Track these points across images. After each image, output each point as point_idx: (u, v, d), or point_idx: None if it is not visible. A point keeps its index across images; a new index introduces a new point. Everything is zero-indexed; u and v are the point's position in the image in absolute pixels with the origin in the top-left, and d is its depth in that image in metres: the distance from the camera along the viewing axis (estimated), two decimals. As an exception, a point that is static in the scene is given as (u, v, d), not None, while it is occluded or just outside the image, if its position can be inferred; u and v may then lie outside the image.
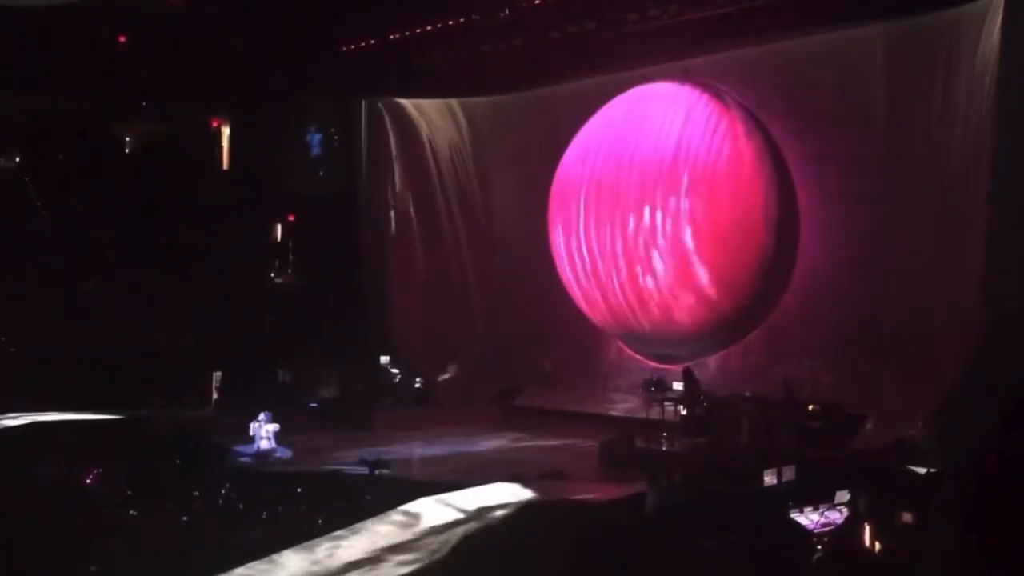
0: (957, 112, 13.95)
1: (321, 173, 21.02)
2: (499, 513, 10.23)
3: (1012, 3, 12.92)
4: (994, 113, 12.98)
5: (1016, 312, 12.70)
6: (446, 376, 19.43)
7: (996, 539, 2.89)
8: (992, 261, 13.07)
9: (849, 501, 9.31)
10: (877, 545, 8.23)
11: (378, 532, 9.57)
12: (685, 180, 16.57)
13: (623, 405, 16.87)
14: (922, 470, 10.70)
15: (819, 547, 8.40)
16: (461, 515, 10.58)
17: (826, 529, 8.95)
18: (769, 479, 10.93)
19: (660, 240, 16.86)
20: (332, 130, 21.44)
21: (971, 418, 11.96)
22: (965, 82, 13.84)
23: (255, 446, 14.26)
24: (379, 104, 20.15)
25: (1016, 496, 2.92)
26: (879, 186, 15.06)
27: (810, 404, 13.65)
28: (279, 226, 22.47)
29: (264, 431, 14.28)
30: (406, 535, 9.46)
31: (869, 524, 8.40)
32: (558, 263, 18.48)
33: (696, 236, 16.48)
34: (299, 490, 11.69)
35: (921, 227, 14.40)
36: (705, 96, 16.84)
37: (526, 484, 12.08)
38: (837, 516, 9.22)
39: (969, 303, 13.32)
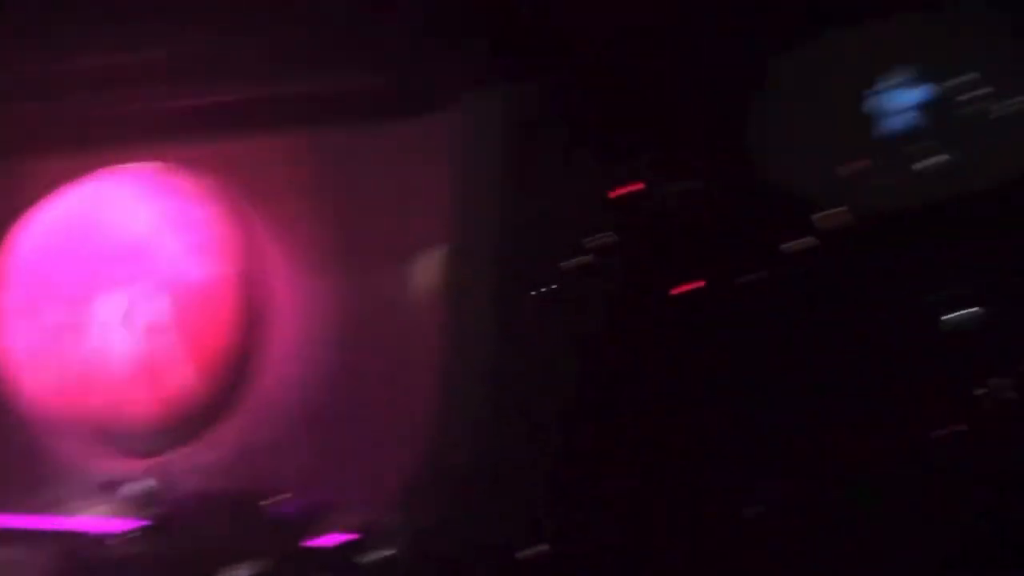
0: (419, 204, 14.93)
1: None
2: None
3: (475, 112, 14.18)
4: (451, 205, 14.11)
5: (468, 397, 13.58)
6: None
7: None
8: (450, 349, 13.95)
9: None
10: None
11: None
12: (153, 271, 15.95)
13: (81, 510, 15.52)
14: (389, 552, 10.87)
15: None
16: None
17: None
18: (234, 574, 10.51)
19: (123, 332, 16.01)
20: None
21: (429, 501, 12.48)
22: (432, 177, 14.87)
23: None
24: None
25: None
26: (352, 275, 15.56)
27: (278, 494, 13.47)
28: None
29: None
30: None
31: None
32: (6, 358, 16.78)
33: (163, 329, 15.87)
34: None
35: (392, 313, 15.06)
36: (180, 185, 16.44)
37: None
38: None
39: (434, 387, 14.04)
